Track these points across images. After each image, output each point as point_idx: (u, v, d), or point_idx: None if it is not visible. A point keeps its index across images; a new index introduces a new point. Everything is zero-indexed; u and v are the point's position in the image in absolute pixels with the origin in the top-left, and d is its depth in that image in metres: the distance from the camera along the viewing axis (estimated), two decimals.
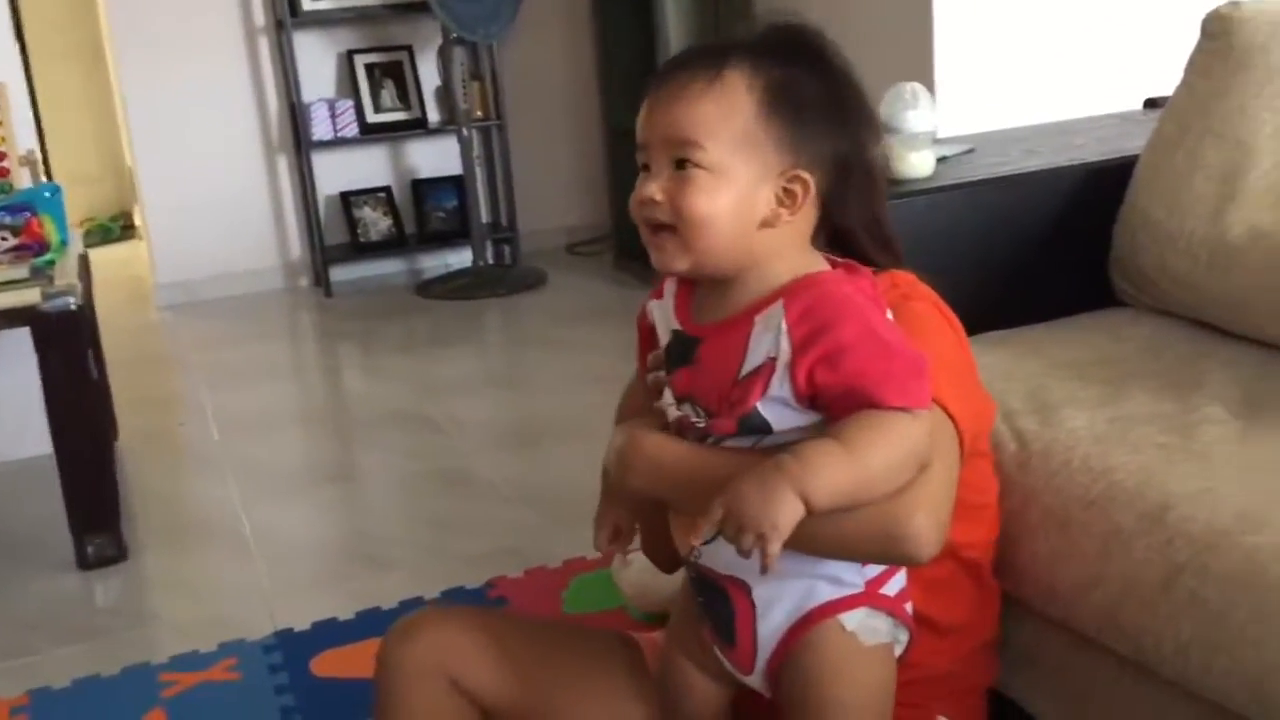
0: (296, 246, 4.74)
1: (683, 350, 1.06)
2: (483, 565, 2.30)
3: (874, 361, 0.96)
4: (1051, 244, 1.80)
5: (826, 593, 1.05)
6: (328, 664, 1.99)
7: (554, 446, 2.95)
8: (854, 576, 1.06)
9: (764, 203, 1.00)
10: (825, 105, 1.02)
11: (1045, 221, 1.80)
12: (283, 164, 4.65)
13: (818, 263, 1.05)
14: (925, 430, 0.98)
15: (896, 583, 1.09)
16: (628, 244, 4.45)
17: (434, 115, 4.73)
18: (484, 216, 4.74)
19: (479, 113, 4.61)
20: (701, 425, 1.04)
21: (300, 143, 4.51)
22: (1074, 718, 1.35)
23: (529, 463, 2.90)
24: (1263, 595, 1.08)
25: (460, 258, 4.73)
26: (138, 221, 5.34)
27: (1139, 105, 2.32)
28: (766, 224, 1.00)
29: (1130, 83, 2.49)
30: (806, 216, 1.03)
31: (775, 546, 0.93)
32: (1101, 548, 1.24)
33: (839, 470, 0.95)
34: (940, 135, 1.95)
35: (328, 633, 2.10)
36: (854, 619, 1.06)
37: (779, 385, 0.99)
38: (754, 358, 1.00)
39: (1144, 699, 1.25)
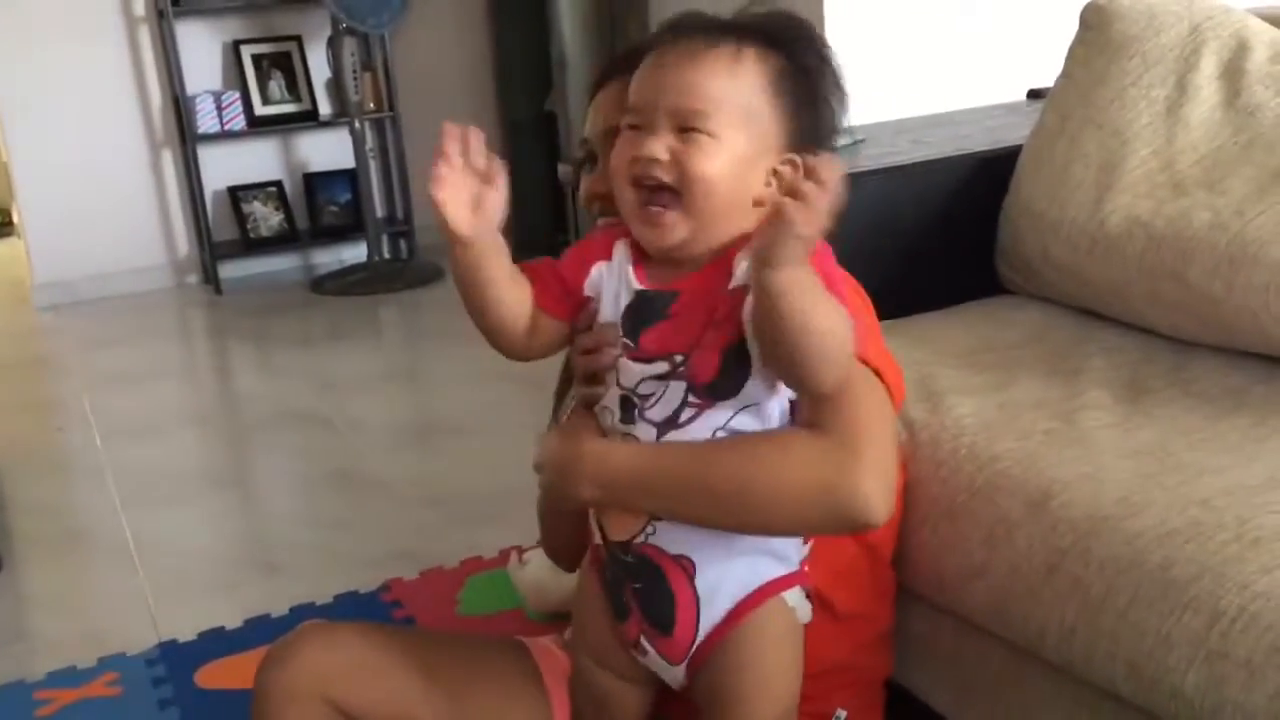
0: (184, 243, 4.60)
1: (653, 308, 1.03)
2: (377, 568, 2.25)
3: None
4: (939, 233, 1.81)
5: (771, 570, 1.05)
6: (214, 675, 1.93)
7: (452, 444, 2.90)
8: (793, 553, 1.06)
9: (759, 180, 1.00)
10: (824, 98, 1.03)
11: (933, 211, 1.81)
12: (167, 158, 4.50)
13: None
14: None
15: (808, 559, 1.09)
16: (524, 237, 4.39)
17: (325, 107, 4.62)
18: (379, 210, 4.65)
19: (371, 104, 4.51)
20: (660, 394, 1.01)
21: (185, 136, 4.37)
22: (967, 705, 1.36)
23: (426, 461, 2.84)
24: (1142, 580, 1.09)
25: (355, 253, 4.64)
26: (15, 219, 5.13)
27: (1023, 96, 2.35)
28: (758, 203, 1.00)
29: (1015, 73, 2.52)
30: None
31: None
32: (987, 535, 1.24)
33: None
34: None
35: (214, 643, 2.03)
36: (793, 596, 1.06)
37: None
38: (739, 278, 0.99)
39: (1033, 685, 1.26)
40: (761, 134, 1.00)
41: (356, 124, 4.37)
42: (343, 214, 4.67)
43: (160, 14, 4.29)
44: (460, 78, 4.78)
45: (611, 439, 1.05)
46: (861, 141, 1.99)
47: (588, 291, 1.08)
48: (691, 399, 1.01)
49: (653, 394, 1.03)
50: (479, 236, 1.01)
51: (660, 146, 0.99)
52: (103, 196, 4.40)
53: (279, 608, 2.12)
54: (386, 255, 4.60)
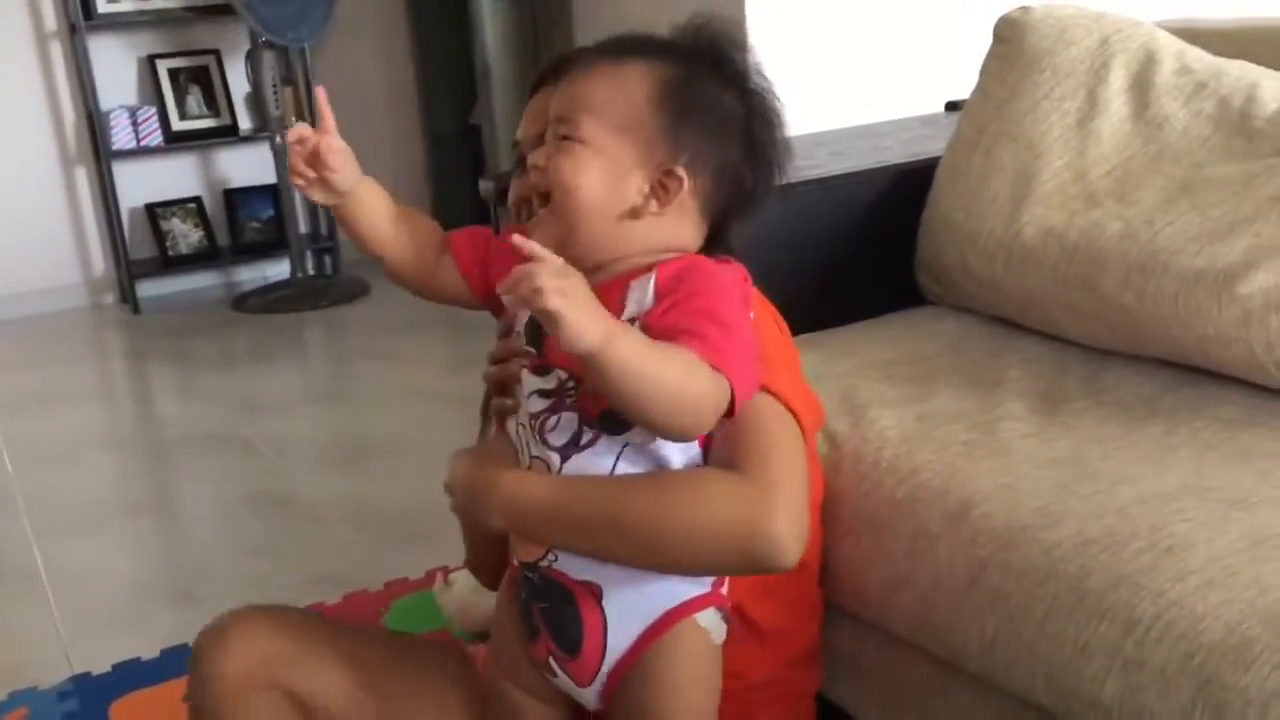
0: (100, 262, 4.49)
1: None
2: (300, 593, 2.20)
3: (702, 324, 0.93)
4: (860, 245, 1.82)
5: (682, 593, 1.03)
6: (129, 709, 1.87)
7: (377, 464, 2.85)
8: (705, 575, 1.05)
9: (634, 189, 0.99)
10: (727, 120, 1.01)
11: (854, 223, 1.82)
12: (81, 175, 4.40)
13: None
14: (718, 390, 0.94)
15: (726, 579, 1.08)
16: None
17: (245, 122, 4.54)
18: (302, 226, 4.59)
19: (293, 119, 4.44)
20: (557, 418, 1.00)
21: (99, 153, 4.27)
22: (895, 718, 1.36)
23: (351, 482, 2.79)
24: (1060, 590, 1.10)
25: (279, 269, 4.56)
26: None
27: (942, 107, 2.38)
28: (634, 213, 0.99)
29: (933, 85, 2.55)
30: (679, 220, 1.01)
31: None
32: (909, 548, 1.25)
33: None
34: None
35: (130, 675, 1.97)
36: (706, 618, 1.04)
37: None
38: (630, 309, 0.97)
39: (957, 697, 1.26)
40: (640, 144, 0.99)
41: (278, 139, 4.30)
42: (265, 230, 4.59)
43: (73, 28, 4.19)
44: (383, 91, 4.74)
45: (523, 464, 1.04)
46: None
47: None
48: (587, 429, 1.00)
49: (550, 417, 1.01)
50: (338, 199, 1.11)
51: (542, 155, 1.01)
52: (14, 215, 4.28)
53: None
54: (311, 272, 4.53)
